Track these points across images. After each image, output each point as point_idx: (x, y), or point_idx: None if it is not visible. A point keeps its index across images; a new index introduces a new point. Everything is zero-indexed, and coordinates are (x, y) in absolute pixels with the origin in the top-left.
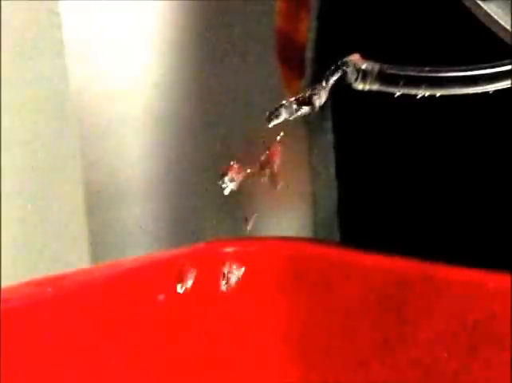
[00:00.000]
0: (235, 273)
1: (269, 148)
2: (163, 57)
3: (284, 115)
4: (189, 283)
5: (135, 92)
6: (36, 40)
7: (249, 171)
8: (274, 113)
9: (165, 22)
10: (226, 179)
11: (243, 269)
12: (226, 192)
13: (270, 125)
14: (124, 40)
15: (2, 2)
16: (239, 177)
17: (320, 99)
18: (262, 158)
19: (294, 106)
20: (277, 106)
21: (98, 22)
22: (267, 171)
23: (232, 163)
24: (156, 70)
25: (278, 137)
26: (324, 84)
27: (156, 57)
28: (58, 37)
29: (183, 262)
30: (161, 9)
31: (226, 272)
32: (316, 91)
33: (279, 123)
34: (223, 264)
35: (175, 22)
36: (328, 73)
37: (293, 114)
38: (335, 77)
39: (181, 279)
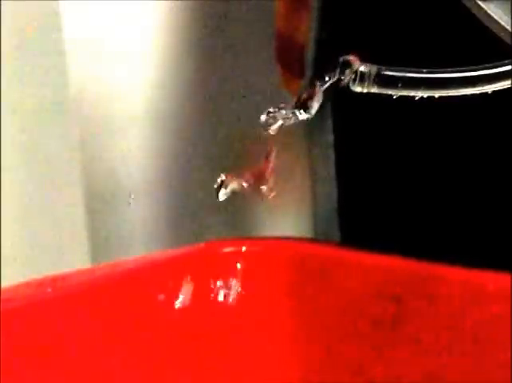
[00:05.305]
0: (233, 286)
1: (266, 157)
2: (163, 57)
3: (280, 120)
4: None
5: (135, 92)
6: (36, 40)
7: (244, 184)
8: (270, 119)
9: (165, 23)
10: (222, 191)
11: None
12: (221, 199)
13: (270, 131)
14: (124, 40)
15: (2, 2)
16: (234, 186)
17: (316, 103)
18: (256, 170)
19: (290, 112)
20: (271, 111)
21: (98, 22)
22: (262, 182)
23: (225, 175)
24: (156, 70)
25: (273, 153)
26: (319, 87)
27: (156, 57)
28: (58, 37)
29: (183, 263)
30: (161, 9)
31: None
32: (311, 95)
33: (276, 129)
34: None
35: (174, 23)
36: (324, 76)
37: (289, 119)
38: (331, 81)
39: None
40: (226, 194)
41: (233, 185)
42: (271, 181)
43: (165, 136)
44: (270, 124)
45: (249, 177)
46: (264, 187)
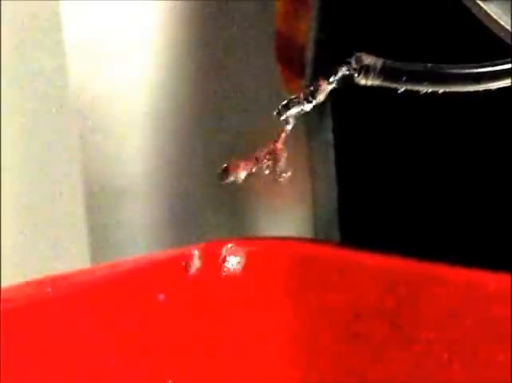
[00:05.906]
0: (235, 260)
1: (275, 140)
2: (163, 57)
3: (293, 109)
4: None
5: (135, 92)
6: (36, 40)
7: (255, 167)
8: (283, 108)
9: (165, 22)
10: (231, 176)
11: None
12: (224, 182)
13: (282, 118)
14: (124, 40)
15: (2, 2)
16: (243, 171)
17: (324, 94)
18: (267, 150)
19: (301, 101)
20: (286, 101)
21: (98, 22)
22: (271, 163)
23: (234, 160)
24: (156, 70)
25: (283, 133)
26: (329, 80)
27: (156, 57)
28: (58, 37)
29: (183, 262)
30: (161, 9)
31: (225, 259)
32: (320, 86)
33: (288, 117)
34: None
35: (174, 22)
36: (333, 71)
37: (302, 108)
38: (340, 75)
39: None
40: (235, 176)
41: (242, 170)
42: (283, 161)
43: (165, 136)
44: (282, 113)
45: (261, 157)
46: (277, 168)
